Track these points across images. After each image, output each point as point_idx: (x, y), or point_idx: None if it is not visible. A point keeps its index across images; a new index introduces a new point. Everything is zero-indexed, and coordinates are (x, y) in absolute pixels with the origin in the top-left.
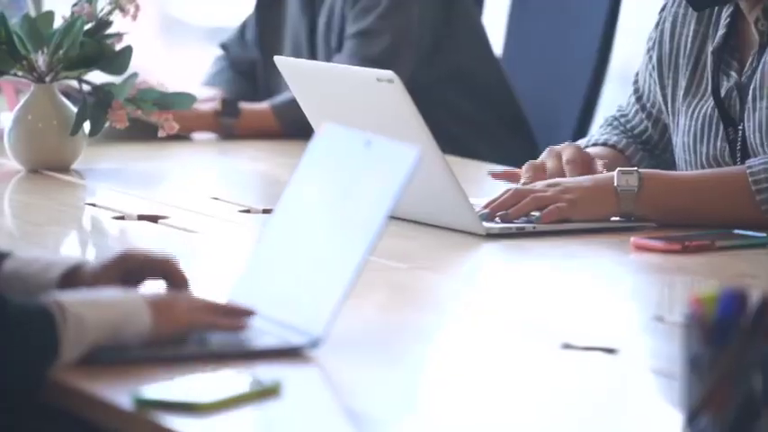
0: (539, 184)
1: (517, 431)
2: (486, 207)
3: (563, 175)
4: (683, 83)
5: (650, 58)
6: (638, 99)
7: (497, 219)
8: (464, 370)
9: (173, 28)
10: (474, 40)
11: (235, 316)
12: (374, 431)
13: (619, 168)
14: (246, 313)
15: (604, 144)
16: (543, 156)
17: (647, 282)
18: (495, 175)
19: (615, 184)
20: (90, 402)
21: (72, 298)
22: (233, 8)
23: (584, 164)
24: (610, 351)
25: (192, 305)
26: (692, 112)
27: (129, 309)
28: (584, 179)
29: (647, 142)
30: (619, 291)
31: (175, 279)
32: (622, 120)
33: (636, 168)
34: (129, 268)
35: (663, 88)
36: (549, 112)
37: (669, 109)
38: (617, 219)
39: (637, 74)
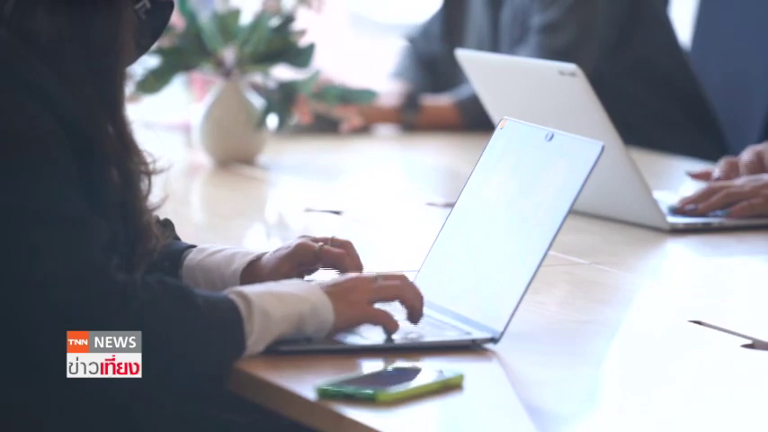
0: (739, 180)
1: (699, 431)
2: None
3: (762, 172)
4: None
5: None
6: None
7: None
8: (646, 367)
9: (359, 25)
10: (660, 32)
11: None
12: (556, 427)
13: None
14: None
15: None
16: (744, 154)
17: None
18: (695, 176)
19: None
20: (273, 392)
21: (257, 290)
22: (418, 5)
23: None
24: None
25: (370, 290)
26: None
27: (314, 303)
28: None
29: None
30: None
31: (350, 266)
32: None
33: None
34: (303, 260)
35: None
36: (738, 106)
37: None
38: None
39: None
